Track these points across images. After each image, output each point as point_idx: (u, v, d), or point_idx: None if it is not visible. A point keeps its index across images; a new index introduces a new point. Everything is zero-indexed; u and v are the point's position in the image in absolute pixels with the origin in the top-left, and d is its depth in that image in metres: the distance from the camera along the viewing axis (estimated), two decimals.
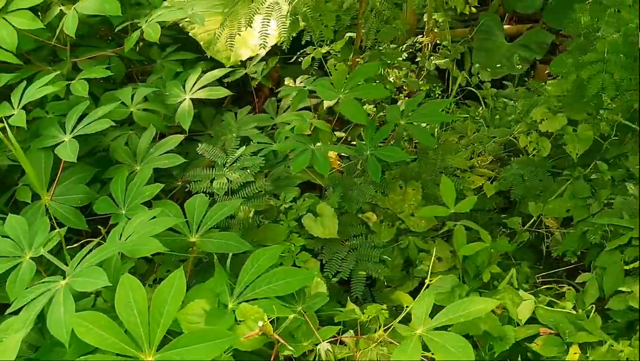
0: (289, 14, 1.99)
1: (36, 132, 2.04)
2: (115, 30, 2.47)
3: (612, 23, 2.14)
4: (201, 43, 2.89)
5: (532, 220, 2.25)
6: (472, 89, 3.13)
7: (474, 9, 3.55)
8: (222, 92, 2.23)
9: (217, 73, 2.30)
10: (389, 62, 2.90)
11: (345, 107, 2.02)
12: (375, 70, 2.18)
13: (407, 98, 3.14)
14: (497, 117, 2.99)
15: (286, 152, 2.17)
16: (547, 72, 3.11)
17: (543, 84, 2.49)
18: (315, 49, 2.55)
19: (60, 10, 2.24)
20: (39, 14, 2.42)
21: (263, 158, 2.10)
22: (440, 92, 3.28)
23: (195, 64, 2.90)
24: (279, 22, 2.41)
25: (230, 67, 2.76)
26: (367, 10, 2.58)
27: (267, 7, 2.38)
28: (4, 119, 1.91)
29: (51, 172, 2.01)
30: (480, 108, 3.13)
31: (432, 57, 3.18)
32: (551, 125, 2.20)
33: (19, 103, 1.97)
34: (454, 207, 2.00)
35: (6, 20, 2.10)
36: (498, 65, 3.38)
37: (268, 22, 2.45)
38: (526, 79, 3.35)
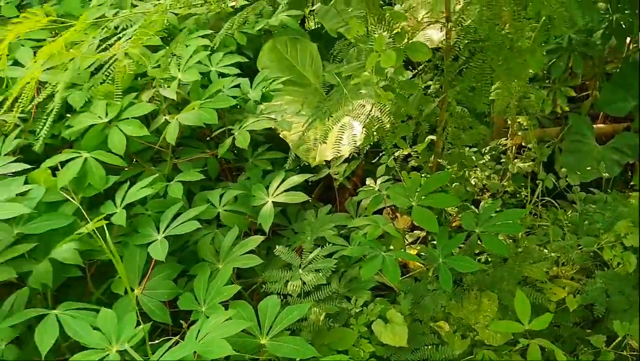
0: (362, 129, 2.12)
1: (135, 228, 2.26)
2: (212, 136, 2.72)
3: None
4: (290, 144, 3.10)
5: (618, 339, 2.12)
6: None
7: (565, 107, 3.54)
8: (301, 198, 2.36)
9: (298, 179, 2.46)
10: (469, 165, 2.94)
11: (417, 216, 2.07)
12: (446, 180, 2.23)
13: (490, 199, 3.13)
14: (586, 222, 2.90)
15: (360, 255, 2.23)
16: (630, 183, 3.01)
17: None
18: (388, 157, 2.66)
19: (165, 119, 2.52)
20: (149, 120, 2.75)
21: (337, 260, 2.18)
22: (526, 194, 3.24)
23: (284, 162, 3.12)
24: (362, 125, 2.56)
25: (315, 166, 2.94)
26: (446, 116, 2.67)
27: (352, 111, 2.54)
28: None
29: (145, 265, 2.20)
30: (569, 212, 3.05)
31: (516, 160, 3.17)
32: (636, 240, 2.11)
33: (121, 202, 2.21)
34: (529, 324, 1.94)
35: (118, 128, 2.39)
36: (588, 168, 3.30)
37: (350, 128, 2.61)
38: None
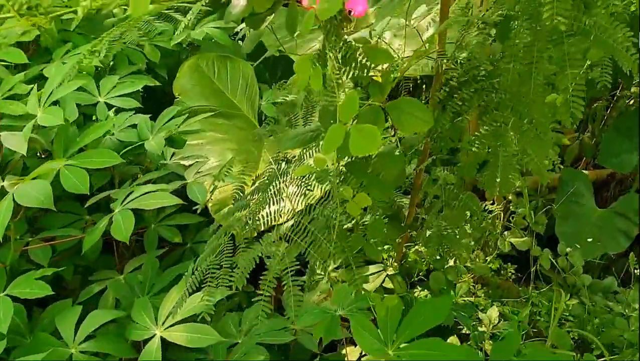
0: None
1: None
2: (85, 207, 1.83)
3: None
4: (209, 205, 2.27)
5: None
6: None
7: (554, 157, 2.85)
8: (213, 337, 1.47)
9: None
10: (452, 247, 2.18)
11: None
12: (447, 311, 1.42)
13: (480, 286, 2.37)
14: (597, 320, 2.24)
15: None
16: None
17: None
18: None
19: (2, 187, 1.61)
20: None
21: None
22: (512, 272, 2.53)
23: (200, 228, 2.31)
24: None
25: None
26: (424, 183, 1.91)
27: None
28: None
29: None
30: (572, 302, 2.35)
31: (505, 233, 2.44)
32: None
33: None
34: None
35: None
36: (589, 240, 2.61)
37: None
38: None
